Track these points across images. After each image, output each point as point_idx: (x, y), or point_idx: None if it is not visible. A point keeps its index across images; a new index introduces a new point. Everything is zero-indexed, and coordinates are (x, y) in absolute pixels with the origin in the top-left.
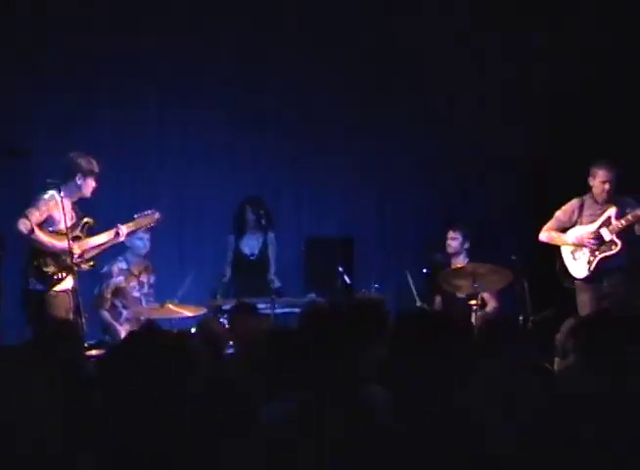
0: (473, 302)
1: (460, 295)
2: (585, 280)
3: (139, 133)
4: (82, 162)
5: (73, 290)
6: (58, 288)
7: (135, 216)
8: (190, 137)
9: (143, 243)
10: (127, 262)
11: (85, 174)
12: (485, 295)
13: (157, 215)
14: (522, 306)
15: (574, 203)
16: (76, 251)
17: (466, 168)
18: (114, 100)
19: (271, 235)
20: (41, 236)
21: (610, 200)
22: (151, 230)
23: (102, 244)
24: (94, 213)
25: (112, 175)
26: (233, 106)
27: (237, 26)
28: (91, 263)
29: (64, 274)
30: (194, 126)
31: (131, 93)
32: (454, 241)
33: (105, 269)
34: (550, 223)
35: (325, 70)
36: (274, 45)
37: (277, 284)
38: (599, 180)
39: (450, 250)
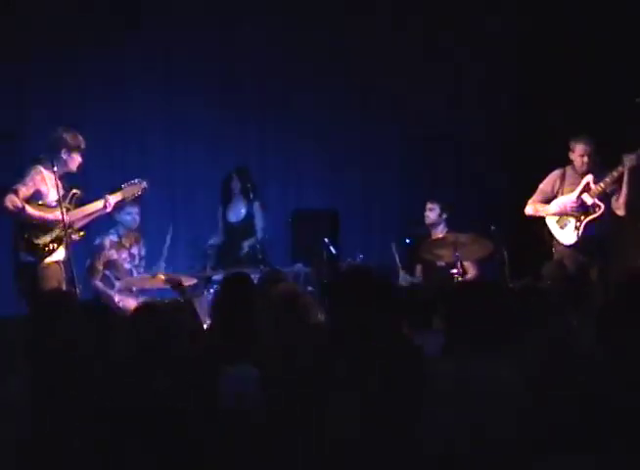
0: (454, 270)
1: (441, 263)
2: (574, 246)
3: (128, 106)
4: (68, 137)
5: (66, 261)
6: (49, 259)
7: (122, 186)
8: (176, 113)
9: (132, 217)
10: (118, 235)
11: (71, 149)
12: (466, 263)
13: (143, 184)
14: (501, 275)
15: (556, 173)
16: (63, 222)
17: (449, 141)
18: (103, 71)
19: (257, 204)
20: (31, 210)
21: (589, 171)
22: (139, 199)
23: (91, 213)
24: (84, 184)
25: (102, 148)
26: (220, 79)
27: None
28: (81, 233)
29: (55, 245)
30: (180, 100)
31: (117, 63)
32: (432, 212)
33: (97, 242)
34: (534, 196)
35: (309, 46)
36: (257, 14)
37: (259, 255)
38: (578, 154)
39: (428, 221)
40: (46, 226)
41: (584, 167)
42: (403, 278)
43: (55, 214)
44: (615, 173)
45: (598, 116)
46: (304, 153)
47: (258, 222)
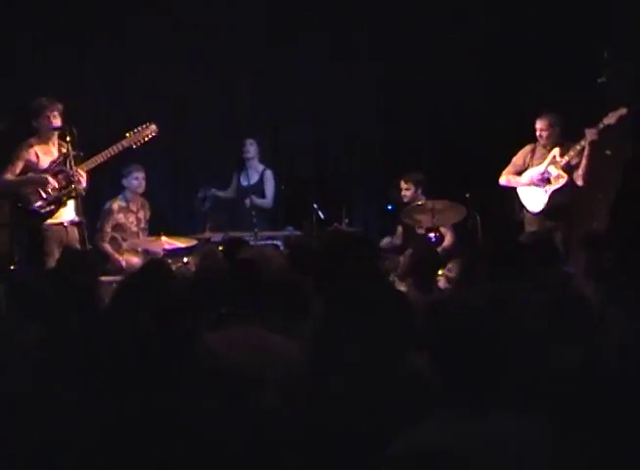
0: (431, 234)
1: (420, 230)
2: (540, 214)
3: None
4: (37, 103)
5: (74, 223)
6: (50, 221)
7: (129, 133)
8: (185, 80)
9: (138, 182)
10: (126, 200)
11: (43, 112)
12: (443, 229)
13: (152, 127)
14: (474, 238)
15: (527, 148)
16: (53, 183)
17: (432, 110)
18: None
19: (268, 172)
20: (10, 179)
21: (553, 144)
22: (145, 142)
23: (108, 158)
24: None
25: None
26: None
27: None
28: (76, 192)
29: (52, 207)
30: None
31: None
32: (408, 191)
33: (106, 206)
34: (508, 168)
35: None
36: None
37: (254, 221)
38: (539, 127)
39: (406, 199)
40: (36, 190)
41: (544, 141)
42: (385, 240)
43: (40, 176)
44: (577, 146)
45: (568, 93)
46: (297, 125)
47: (269, 188)
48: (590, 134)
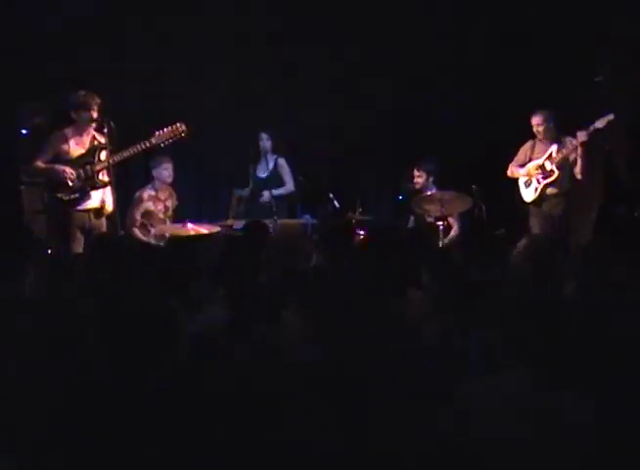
0: (440, 223)
1: (430, 218)
2: (533, 203)
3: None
4: (78, 95)
5: (101, 211)
6: (76, 208)
7: (164, 129)
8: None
9: (168, 172)
10: (155, 189)
11: (83, 104)
12: (450, 219)
13: (183, 127)
14: (479, 227)
15: (528, 144)
16: (71, 175)
17: (434, 108)
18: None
19: (282, 160)
20: (39, 166)
21: (551, 139)
22: (174, 142)
23: (134, 154)
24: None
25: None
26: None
27: None
28: (101, 182)
29: (76, 195)
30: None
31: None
32: (420, 178)
33: (136, 194)
34: (513, 162)
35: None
36: None
37: (273, 210)
38: (535, 122)
39: (418, 186)
40: (64, 180)
41: (542, 136)
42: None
43: (60, 168)
44: (569, 146)
45: (566, 91)
46: (312, 118)
47: (286, 173)
48: (581, 136)
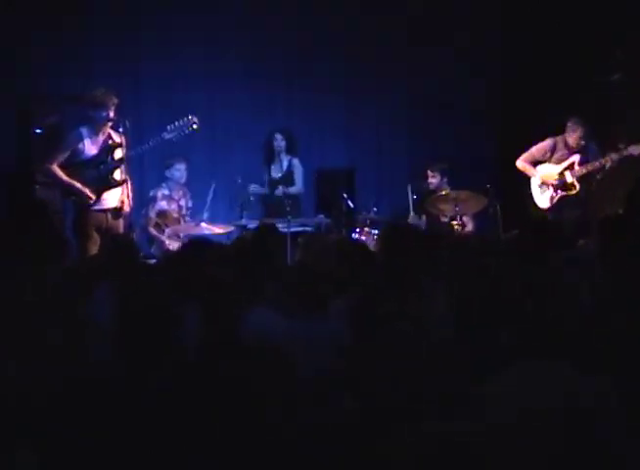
0: (454, 222)
1: (444, 218)
2: (547, 211)
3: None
4: (96, 94)
5: (117, 210)
6: (92, 208)
7: (175, 124)
8: (218, 76)
9: (180, 173)
10: (169, 189)
11: (101, 103)
12: (464, 218)
13: (194, 120)
14: (494, 227)
15: (549, 143)
16: (91, 198)
17: (449, 108)
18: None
19: (296, 160)
20: (60, 175)
21: (579, 151)
22: (186, 135)
23: (148, 149)
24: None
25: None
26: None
27: None
28: (115, 181)
29: (94, 196)
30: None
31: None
32: (434, 178)
33: (151, 194)
34: (526, 155)
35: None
36: None
37: (287, 209)
38: (577, 135)
39: (432, 186)
40: (82, 182)
41: (578, 147)
42: (413, 219)
43: (83, 191)
44: (597, 164)
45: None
46: (327, 120)
47: (298, 175)
48: (611, 161)
